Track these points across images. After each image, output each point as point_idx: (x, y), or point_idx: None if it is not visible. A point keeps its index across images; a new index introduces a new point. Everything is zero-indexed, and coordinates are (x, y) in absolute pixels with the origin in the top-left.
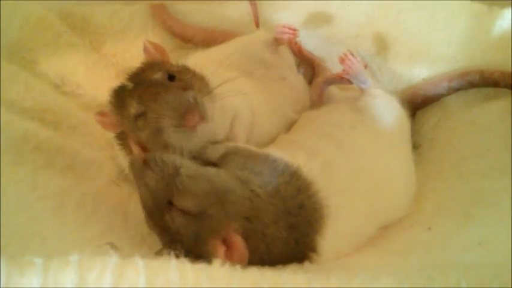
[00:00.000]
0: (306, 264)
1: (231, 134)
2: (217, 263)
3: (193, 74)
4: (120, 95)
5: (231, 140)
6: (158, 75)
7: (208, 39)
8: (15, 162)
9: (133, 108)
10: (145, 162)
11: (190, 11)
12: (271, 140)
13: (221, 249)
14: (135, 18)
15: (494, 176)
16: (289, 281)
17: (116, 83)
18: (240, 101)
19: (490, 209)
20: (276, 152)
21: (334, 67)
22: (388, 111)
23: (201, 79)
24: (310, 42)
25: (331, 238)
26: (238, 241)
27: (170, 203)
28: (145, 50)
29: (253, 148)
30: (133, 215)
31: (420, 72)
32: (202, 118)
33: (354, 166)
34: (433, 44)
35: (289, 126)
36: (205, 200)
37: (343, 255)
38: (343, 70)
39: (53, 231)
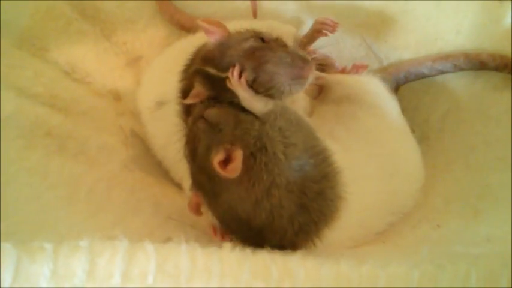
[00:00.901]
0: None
1: None
2: (227, 247)
3: (273, 35)
4: (211, 79)
5: None
6: (251, 42)
7: None
8: (27, 148)
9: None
10: None
11: (197, 4)
12: None
13: (220, 155)
14: (144, 7)
15: (501, 168)
16: (300, 265)
17: (126, 71)
18: None
19: (498, 204)
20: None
21: (341, 56)
22: (367, 88)
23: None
24: None
25: (338, 229)
26: (237, 153)
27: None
28: (207, 31)
29: (302, 115)
30: (144, 203)
31: None
32: (312, 68)
33: (366, 153)
34: (441, 32)
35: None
36: (225, 117)
37: (347, 247)
38: None
39: (64, 219)
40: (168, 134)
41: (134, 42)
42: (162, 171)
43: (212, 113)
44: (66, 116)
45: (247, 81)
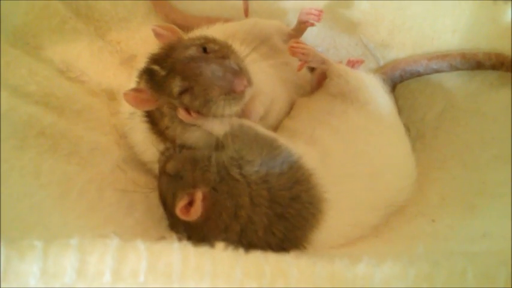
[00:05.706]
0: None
1: (251, 106)
2: (220, 246)
3: (221, 43)
4: (154, 78)
5: (246, 113)
6: (192, 51)
7: None
8: (19, 148)
9: (178, 86)
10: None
11: (193, 3)
12: (278, 122)
13: (183, 201)
14: (138, 6)
15: (498, 165)
16: (293, 265)
17: (120, 70)
18: (264, 75)
19: (495, 200)
20: (281, 138)
21: (338, 55)
22: (362, 86)
23: (229, 46)
24: (312, 30)
25: (328, 231)
26: (197, 196)
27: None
28: (158, 35)
29: (259, 129)
30: (137, 203)
31: None
32: (249, 82)
33: (351, 152)
34: (437, 31)
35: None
36: (182, 164)
37: (341, 246)
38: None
39: (55, 218)
40: (143, 142)
41: (128, 41)
42: (153, 172)
43: (170, 165)
44: (60, 115)
45: (194, 108)
